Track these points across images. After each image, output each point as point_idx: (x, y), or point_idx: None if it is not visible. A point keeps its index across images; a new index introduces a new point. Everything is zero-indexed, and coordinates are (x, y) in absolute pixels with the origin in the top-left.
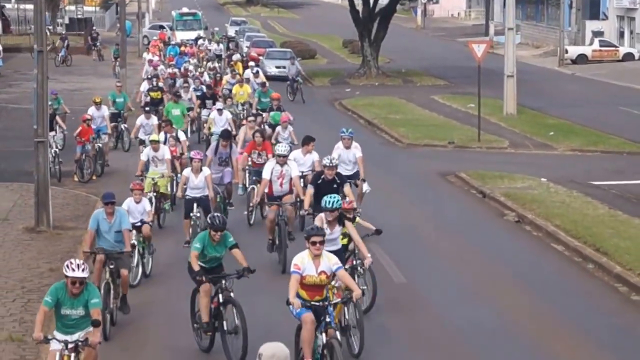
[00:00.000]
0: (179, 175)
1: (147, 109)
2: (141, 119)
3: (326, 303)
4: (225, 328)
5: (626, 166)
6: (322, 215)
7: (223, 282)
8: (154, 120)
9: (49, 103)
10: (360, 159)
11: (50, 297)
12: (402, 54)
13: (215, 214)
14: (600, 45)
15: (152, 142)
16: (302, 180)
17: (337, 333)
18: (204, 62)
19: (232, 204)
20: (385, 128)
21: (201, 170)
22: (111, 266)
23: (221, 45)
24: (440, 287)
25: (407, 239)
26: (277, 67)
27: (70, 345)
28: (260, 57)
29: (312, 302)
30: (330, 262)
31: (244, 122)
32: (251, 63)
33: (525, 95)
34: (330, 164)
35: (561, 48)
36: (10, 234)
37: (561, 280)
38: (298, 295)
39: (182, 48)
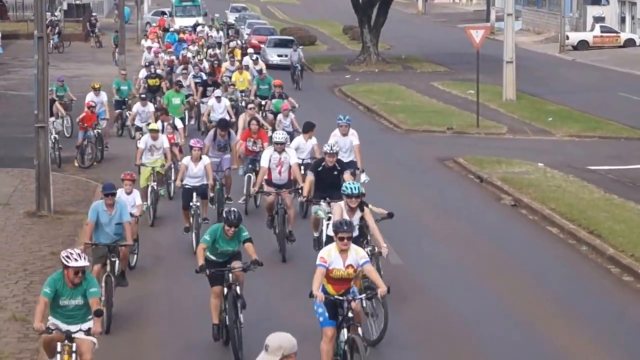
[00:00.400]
0: (177, 163)
1: (142, 96)
2: (137, 107)
3: (351, 297)
4: (227, 322)
5: (623, 151)
6: (340, 203)
7: (230, 276)
8: (150, 107)
9: (54, 89)
10: (358, 147)
11: (49, 288)
12: (403, 40)
13: (232, 209)
14: (602, 31)
15: (151, 131)
16: (303, 167)
17: (360, 330)
18: (204, 49)
19: (231, 199)
20: (384, 114)
21: (200, 158)
22: (112, 259)
23: (221, 33)
24: (436, 269)
25: (404, 222)
26: (279, 56)
27: (73, 336)
28: (262, 45)
29: (336, 296)
30: (357, 255)
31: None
32: (250, 50)
33: (525, 82)
34: (331, 151)
35: (562, 34)
36: (12, 218)
37: (555, 262)
38: (323, 290)
39: (181, 35)
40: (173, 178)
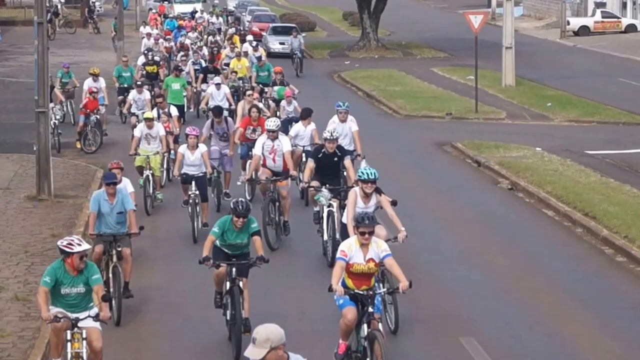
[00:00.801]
0: (172, 152)
1: (138, 83)
2: (133, 94)
3: (371, 292)
4: (227, 317)
5: (621, 136)
6: (355, 189)
7: (233, 270)
8: (146, 95)
9: (59, 76)
10: (357, 133)
11: (49, 277)
12: (403, 26)
13: (240, 199)
14: (603, 17)
15: (146, 119)
16: (304, 154)
17: (380, 325)
18: (205, 36)
19: (229, 195)
20: (383, 100)
21: (197, 147)
22: (118, 249)
23: (220, 19)
24: (432, 248)
25: (401, 204)
26: (281, 44)
27: (80, 324)
28: (263, 33)
29: (357, 291)
30: (379, 248)
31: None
32: (249, 37)
33: (525, 67)
34: (331, 137)
35: (563, 19)
36: (13, 202)
37: (550, 243)
38: (344, 284)
39: (180, 22)
40: (165, 166)
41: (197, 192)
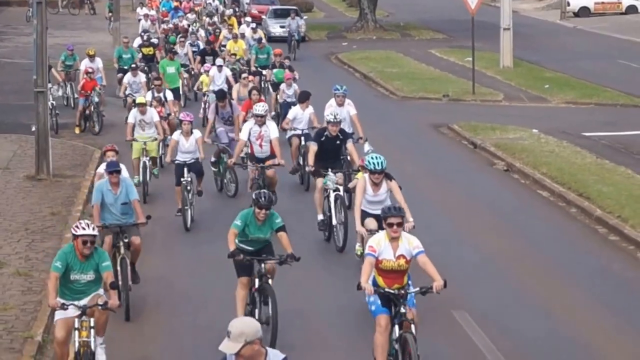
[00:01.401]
0: (167, 137)
1: (133, 65)
2: (128, 77)
3: (403, 292)
4: (256, 317)
5: (619, 118)
6: (365, 176)
7: (262, 266)
8: (142, 77)
9: (62, 58)
10: (356, 117)
11: (60, 261)
12: (403, 7)
13: (262, 190)
14: None
15: (138, 105)
16: (303, 138)
17: (413, 327)
18: (203, 17)
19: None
20: (380, 81)
21: (191, 132)
22: (125, 240)
23: (216, 1)
24: (427, 229)
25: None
26: (282, 27)
27: (88, 311)
28: (263, 16)
29: (388, 290)
30: (410, 245)
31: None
32: (248, 19)
33: (524, 49)
34: (334, 120)
35: (563, 0)
36: (12, 181)
37: (544, 223)
38: (374, 282)
39: (175, 3)
40: (162, 152)
41: (189, 180)
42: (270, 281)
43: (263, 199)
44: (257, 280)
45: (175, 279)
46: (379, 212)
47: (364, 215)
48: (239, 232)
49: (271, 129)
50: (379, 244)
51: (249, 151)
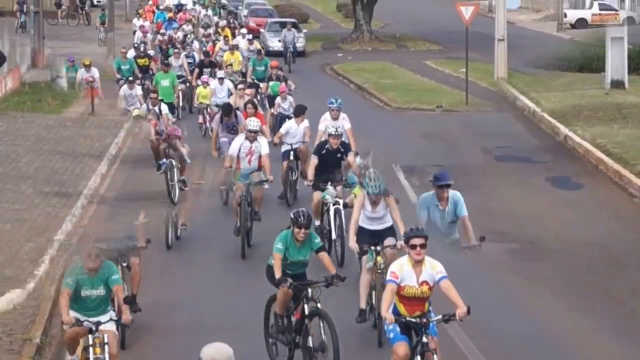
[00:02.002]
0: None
1: (130, 78)
2: (124, 89)
3: (425, 320)
4: (310, 345)
5: None
6: (363, 192)
7: (309, 290)
8: (138, 90)
9: (64, 69)
10: (350, 131)
11: (71, 278)
12: (398, 18)
13: (301, 209)
14: (600, 9)
15: (135, 118)
16: (294, 152)
17: (435, 357)
18: (198, 29)
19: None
20: (374, 92)
21: (183, 146)
22: (124, 264)
23: (210, 11)
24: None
25: None
26: (280, 41)
27: (101, 327)
28: (261, 29)
29: (409, 319)
30: (434, 270)
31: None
32: (243, 30)
33: (519, 60)
34: (336, 133)
35: (560, 12)
36: None
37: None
38: (395, 311)
39: (169, 14)
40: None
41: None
42: (319, 305)
43: (302, 217)
44: (306, 307)
45: (172, 302)
46: (377, 228)
47: (362, 231)
48: (282, 256)
49: (262, 145)
50: (402, 269)
51: (235, 168)
